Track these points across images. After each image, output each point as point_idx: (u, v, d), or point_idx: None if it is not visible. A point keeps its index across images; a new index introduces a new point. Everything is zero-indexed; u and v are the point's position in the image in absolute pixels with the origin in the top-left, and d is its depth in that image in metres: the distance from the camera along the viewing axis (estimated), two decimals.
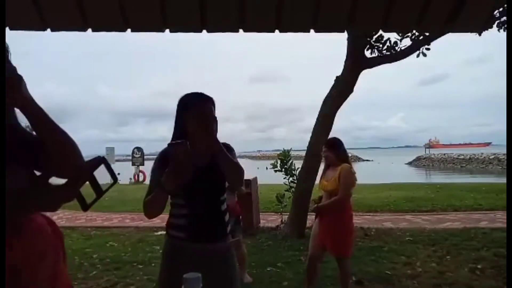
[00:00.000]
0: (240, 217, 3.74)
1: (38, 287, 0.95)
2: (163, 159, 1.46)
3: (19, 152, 0.94)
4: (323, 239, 2.97)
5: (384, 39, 5.60)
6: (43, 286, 0.97)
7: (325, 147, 3.13)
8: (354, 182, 2.98)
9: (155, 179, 1.46)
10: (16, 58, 1.06)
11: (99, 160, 0.95)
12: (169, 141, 1.44)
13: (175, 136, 1.55)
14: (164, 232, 1.69)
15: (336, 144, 3.10)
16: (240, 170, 1.54)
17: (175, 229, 1.55)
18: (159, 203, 1.43)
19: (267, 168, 7.45)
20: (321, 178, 3.17)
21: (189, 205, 1.51)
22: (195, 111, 1.50)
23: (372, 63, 5.64)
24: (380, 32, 4.89)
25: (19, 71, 0.92)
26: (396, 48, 5.64)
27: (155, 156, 1.69)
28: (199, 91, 1.57)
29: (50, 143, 0.95)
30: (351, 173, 2.94)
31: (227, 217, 1.60)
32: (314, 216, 3.20)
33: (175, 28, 2.01)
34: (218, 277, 1.51)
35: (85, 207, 0.93)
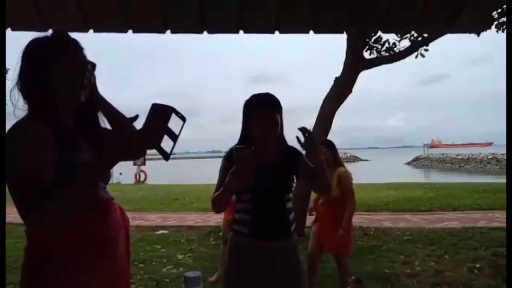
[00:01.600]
0: None
1: (119, 258, 1.14)
2: (230, 158, 1.49)
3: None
4: (321, 239, 2.99)
5: (383, 40, 5.63)
6: (119, 261, 1.13)
7: (324, 147, 3.06)
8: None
9: (221, 177, 1.50)
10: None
11: (170, 110, 0.99)
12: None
13: (242, 134, 1.60)
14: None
15: (334, 145, 3.11)
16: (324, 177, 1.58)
17: (238, 224, 1.57)
18: (224, 201, 1.48)
19: None
20: None
21: (253, 200, 1.53)
22: (256, 116, 1.53)
23: (371, 63, 5.66)
24: (379, 33, 4.92)
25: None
26: (395, 49, 5.66)
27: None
28: (266, 92, 1.60)
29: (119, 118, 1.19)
30: (350, 177, 2.95)
31: (292, 215, 1.59)
32: (314, 216, 3.21)
33: (176, 29, 2.03)
34: (283, 276, 1.52)
35: (166, 156, 1.00)
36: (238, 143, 1.57)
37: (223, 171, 1.51)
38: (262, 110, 1.52)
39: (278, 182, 1.56)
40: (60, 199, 0.92)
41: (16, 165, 0.94)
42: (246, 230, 1.53)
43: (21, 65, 1.04)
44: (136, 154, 1.01)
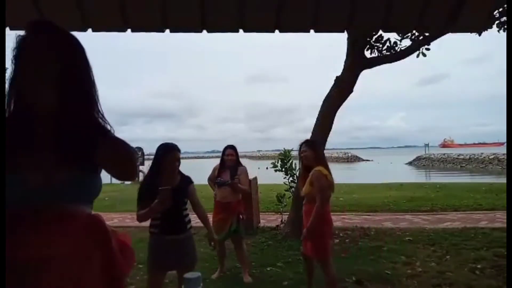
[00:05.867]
0: (241, 216, 3.75)
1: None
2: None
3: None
4: (304, 243, 2.98)
5: (384, 39, 5.61)
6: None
7: (305, 146, 3.06)
8: (328, 184, 2.87)
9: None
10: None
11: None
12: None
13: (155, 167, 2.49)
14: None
15: (316, 144, 3.13)
16: None
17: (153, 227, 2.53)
18: (150, 217, 2.44)
19: (267, 168, 7.46)
20: (300, 181, 3.08)
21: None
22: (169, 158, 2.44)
23: (372, 63, 5.64)
24: (380, 32, 4.89)
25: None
26: (396, 48, 5.64)
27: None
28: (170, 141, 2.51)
29: None
30: (322, 175, 2.85)
31: (188, 217, 2.62)
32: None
33: (175, 28, 2.01)
34: (184, 256, 2.65)
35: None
36: (152, 175, 2.46)
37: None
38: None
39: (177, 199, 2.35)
40: None
41: None
42: (157, 230, 2.49)
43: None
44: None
